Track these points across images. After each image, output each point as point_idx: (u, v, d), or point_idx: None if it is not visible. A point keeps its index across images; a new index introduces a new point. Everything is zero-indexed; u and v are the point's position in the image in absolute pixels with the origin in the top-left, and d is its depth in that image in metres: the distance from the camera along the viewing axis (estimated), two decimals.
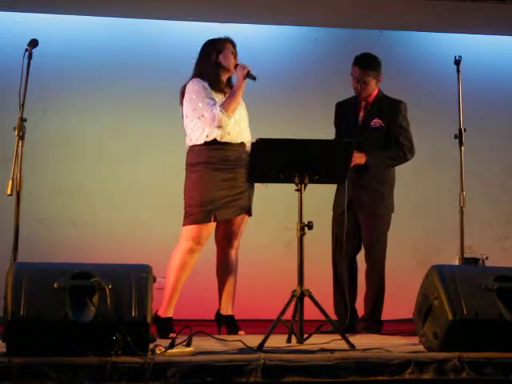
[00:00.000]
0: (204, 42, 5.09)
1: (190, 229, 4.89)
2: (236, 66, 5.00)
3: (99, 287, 3.52)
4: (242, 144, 5.01)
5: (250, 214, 5.09)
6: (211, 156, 4.92)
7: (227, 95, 4.99)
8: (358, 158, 5.28)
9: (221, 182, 4.92)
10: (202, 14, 6.65)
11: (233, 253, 5.07)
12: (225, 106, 4.89)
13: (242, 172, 4.96)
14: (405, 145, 5.42)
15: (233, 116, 4.94)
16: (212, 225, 4.93)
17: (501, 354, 3.71)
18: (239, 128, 5.01)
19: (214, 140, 4.92)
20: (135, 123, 6.75)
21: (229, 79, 5.10)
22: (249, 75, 4.95)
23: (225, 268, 5.07)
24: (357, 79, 5.39)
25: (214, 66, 4.99)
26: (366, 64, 5.37)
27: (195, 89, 4.93)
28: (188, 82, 5.00)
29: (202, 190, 4.90)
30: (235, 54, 5.05)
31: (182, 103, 5.03)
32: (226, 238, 5.06)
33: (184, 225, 4.93)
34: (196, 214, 4.88)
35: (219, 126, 4.88)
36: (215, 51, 5.01)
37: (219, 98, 4.97)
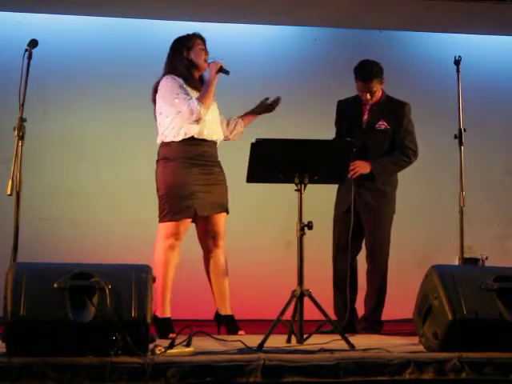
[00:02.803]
0: (173, 39, 5.08)
1: (169, 225, 4.87)
2: (208, 64, 5.01)
3: (99, 287, 3.52)
4: (215, 142, 5.05)
5: (227, 212, 5.08)
6: (189, 151, 4.92)
7: (201, 90, 4.99)
8: (363, 168, 5.28)
9: (198, 177, 4.93)
10: (202, 14, 6.65)
11: (221, 253, 5.05)
12: (201, 100, 4.90)
13: (215, 169, 5.02)
14: (410, 148, 5.42)
15: (208, 113, 4.96)
16: (189, 219, 4.92)
17: (501, 354, 3.71)
18: (212, 127, 5.03)
19: (192, 137, 4.93)
20: (135, 123, 6.74)
21: (201, 77, 5.10)
22: (221, 70, 4.97)
23: (215, 270, 5.04)
24: (364, 92, 5.37)
25: (185, 62, 5.00)
26: (369, 77, 5.32)
27: (169, 85, 4.92)
28: (161, 79, 4.98)
29: (181, 184, 4.89)
30: (206, 50, 5.06)
31: (154, 100, 5.02)
32: (210, 239, 5.02)
33: (162, 221, 4.90)
34: (177, 209, 4.86)
35: (198, 119, 4.90)
36: (185, 48, 5.01)
37: (194, 94, 4.97)
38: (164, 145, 4.98)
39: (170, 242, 4.88)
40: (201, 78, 5.10)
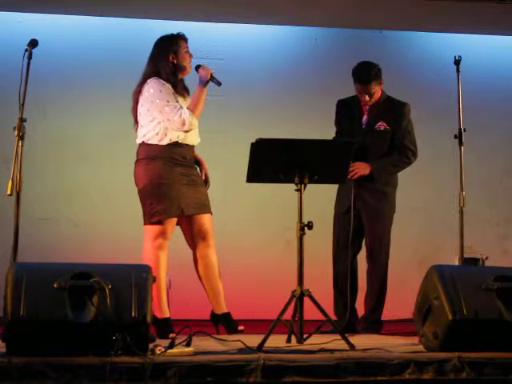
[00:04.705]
0: (157, 39, 5.03)
1: (157, 226, 4.86)
2: (198, 67, 4.98)
3: (99, 287, 3.52)
4: (194, 146, 5.04)
5: (211, 212, 5.07)
6: (172, 152, 4.91)
7: (192, 98, 4.97)
8: (363, 169, 5.29)
9: (181, 176, 4.92)
10: (202, 14, 6.65)
11: (212, 253, 5.04)
12: (193, 110, 4.88)
13: (194, 171, 5.02)
14: (409, 149, 5.42)
15: None
16: (176, 219, 4.92)
17: (501, 354, 3.71)
18: (194, 133, 5.02)
19: (176, 142, 4.92)
20: None
21: (181, 79, 5.06)
22: (212, 79, 4.93)
23: (208, 270, 5.04)
24: (362, 94, 5.37)
25: (171, 67, 4.95)
26: (368, 79, 5.31)
27: (159, 90, 4.88)
28: (147, 82, 4.92)
29: (167, 183, 4.88)
30: (189, 52, 5.02)
31: (136, 101, 4.97)
32: (200, 240, 5.01)
33: (150, 223, 4.89)
34: (165, 209, 4.85)
35: (189, 130, 4.89)
36: (171, 52, 4.96)
37: (181, 100, 4.96)
38: (144, 145, 4.95)
39: (159, 242, 4.87)
40: (182, 81, 5.07)
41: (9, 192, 4.34)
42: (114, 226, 6.64)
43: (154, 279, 3.69)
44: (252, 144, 4.33)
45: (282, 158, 4.35)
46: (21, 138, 4.40)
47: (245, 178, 4.45)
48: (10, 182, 4.34)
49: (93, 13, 6.68)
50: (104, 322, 3.46)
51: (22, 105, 4.42)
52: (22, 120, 4.41)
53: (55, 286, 3.50)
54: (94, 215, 6.66)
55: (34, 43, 4.53)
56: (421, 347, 3.98)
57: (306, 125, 6.54)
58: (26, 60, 4.47)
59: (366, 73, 5.33)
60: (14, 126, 4.42)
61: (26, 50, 4.50)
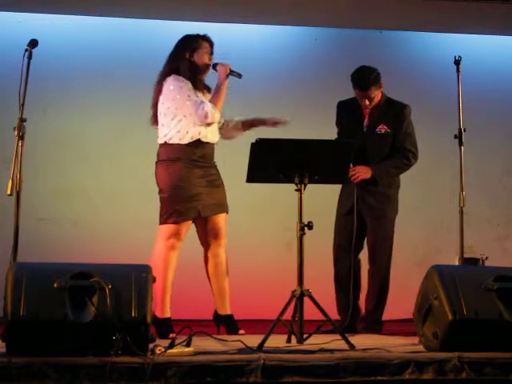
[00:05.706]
0: (180, 38, 5.05)
1: (172, 226, 4.87)
2: (215, 65, 4.98)
3: (99, 287, 3.52)
4: (214, 144, 5.06)
5: (227, 212, 5.08)
6: (193, 153, 4.92)
7: (212, 94, 4.98)
8: (364, 173, 5.29)
9: (200, 179, 4.93)
10: (202, 14, 6.65)
11: (222, 252, 5.05)
12: (215, 103, 4.89)
13: (213, 170, 5.03)
14: (410, 151, 5.42)
15: None
16: (191, 220, 4.93)
17: (501, 354, 3.71)
18: (214, 130, 5.04)
19: (197, 139, 4.93)
20: (135, 123, 6.74)
21: (200, 78, 5.06)
22: (232, 73, 4.94)
23: (216, 269, 5.05)
24: (362, 99, 5.36)
25: (187, 64, 4.95)
26: (367, 85, 5.30)
27: (179, 86, 4.88)
28: (166, 80, 4.93)
29: (186, 186, 4.89)
30: (210, 53, 5.02)
31: (156, 101, 4.97)
32: (212, 238, 5.03)
33: (166, 223, 4.89)
34: (181, 211, 4.87)
35: (212, 122, 4.89)
36: (189, 49, 4.97)
37: (199, 96, 4.95)
38: (166, 146, 4.95)
39: (172, 242, 4.88)
40: (200, 79, 5.06)
41: (9, 192, 4.35)
42: (114, 226, 6.64)
43: (154, 279, 3.69)
44: (252, 144, 4.33)
45: (282, 158, 4.35)
46: (21, 138, 4.40)
47: (245, 178, 4.46)
48: (10, 181, 4.34)
49: (92, 13, 6.68)
50: (104, 322, 3.47)
51: (22, 105, 4.42)
52: (22, 120, 4.41)
53: (55, 286, 3.50)
54: (94, 215, 6.66)
55: (33, 43, 4.53)
56: (421, 347, 3.98)
57: (306, 125, 6.52)
58: (25, 60, 4.47)
59: (364, 79, 5.32)
60: (14, 126, 4.42)
61: (26, 50, 4.50)
